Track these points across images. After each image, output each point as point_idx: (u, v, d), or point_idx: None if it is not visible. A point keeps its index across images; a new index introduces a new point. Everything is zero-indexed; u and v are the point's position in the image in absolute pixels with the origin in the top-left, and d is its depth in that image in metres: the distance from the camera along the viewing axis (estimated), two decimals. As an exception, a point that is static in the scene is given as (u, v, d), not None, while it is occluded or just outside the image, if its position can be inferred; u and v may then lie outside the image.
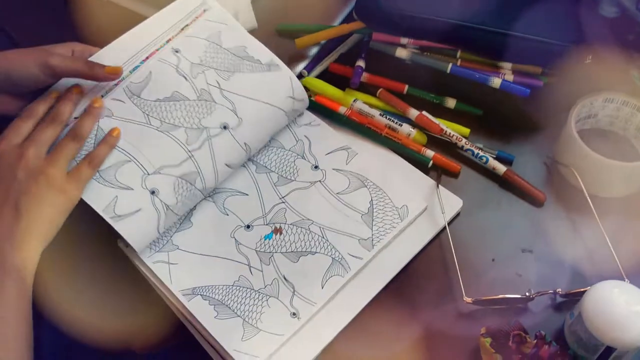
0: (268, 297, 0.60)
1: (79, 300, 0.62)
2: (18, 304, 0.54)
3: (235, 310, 0.59)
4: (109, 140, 0.62)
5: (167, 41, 0.68)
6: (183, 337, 0.60)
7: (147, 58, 0.67)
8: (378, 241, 0.63)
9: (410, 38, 0.75)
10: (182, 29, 0.69)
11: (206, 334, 0.58)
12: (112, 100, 0.64)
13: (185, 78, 0.65)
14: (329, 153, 0.69)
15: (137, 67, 0.66)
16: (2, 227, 0.55)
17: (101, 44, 0.67)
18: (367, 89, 0.75)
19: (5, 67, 0.61)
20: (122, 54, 0.66)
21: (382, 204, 0.65)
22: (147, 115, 0.63)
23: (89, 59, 0.65)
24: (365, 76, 0.75)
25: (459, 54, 0.74)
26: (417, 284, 0.63)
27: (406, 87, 0.74)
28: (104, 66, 0.63)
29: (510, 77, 0.73)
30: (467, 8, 0.71)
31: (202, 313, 0.59)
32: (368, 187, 0.66)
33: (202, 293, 0.60)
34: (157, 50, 0.67)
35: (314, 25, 0.80)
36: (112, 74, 0.63)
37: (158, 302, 0.62)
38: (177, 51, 0.67)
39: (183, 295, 0.60)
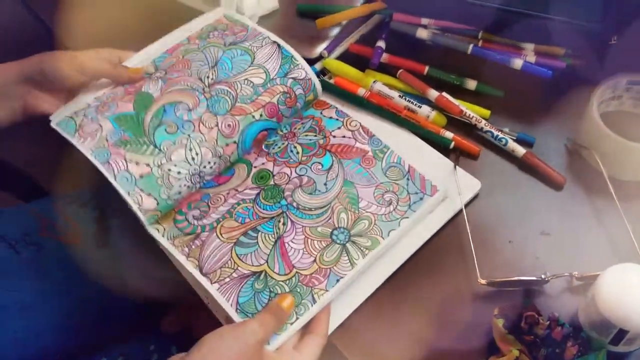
0: None
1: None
2: None
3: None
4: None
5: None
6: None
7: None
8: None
9: (432, 18, 0.74)
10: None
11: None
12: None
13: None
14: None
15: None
16: None
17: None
18: (387, 69, 0.75)
19: (39, 65, 0.64)
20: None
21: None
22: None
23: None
24: (385, 57, 0.75)
25: (480, 34, 0.73)
26: (432, 265, 0.63)
27: (426, 68, 0.74)
28: (127, 67, 0.67)
29: (532, 58, 0.72)
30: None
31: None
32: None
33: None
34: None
35: (335, 5, 0.80)
36: (134, 74, 0.67)
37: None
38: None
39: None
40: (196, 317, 0.77)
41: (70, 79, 0.65)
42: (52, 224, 0.74)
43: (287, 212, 0.62)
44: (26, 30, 0.91)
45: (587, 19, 0.68)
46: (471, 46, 0.73)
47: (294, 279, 0.59)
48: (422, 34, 0.75)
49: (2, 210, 0.77)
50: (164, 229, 0.62)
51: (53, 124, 0.66)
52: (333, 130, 0.67)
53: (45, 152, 0.75)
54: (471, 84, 0.73)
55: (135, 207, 0.61)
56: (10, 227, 0.73)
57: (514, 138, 0.69)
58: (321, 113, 0.69)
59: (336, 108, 0.69)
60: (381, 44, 0.75)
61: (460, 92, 0.72)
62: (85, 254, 0.70)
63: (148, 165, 0.62)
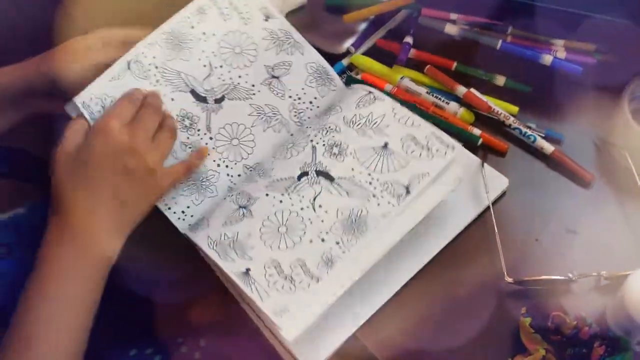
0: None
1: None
2: (97, 293, 0.57)
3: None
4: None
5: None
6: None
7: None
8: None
9: (460, 13, 0.74)
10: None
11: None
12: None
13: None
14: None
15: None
16: (104, 215, 0.58)
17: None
18: (415, 65, 0.75)
19: (47, 76, 0.63)
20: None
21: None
22: None
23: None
24: (413, 52, 0.75)
25: (510, 29, 0.73)
26: (459, 262, 0.63)
27: (455, 63, 0.74)
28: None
29: (562, 54, 0.71)
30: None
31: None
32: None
33: None
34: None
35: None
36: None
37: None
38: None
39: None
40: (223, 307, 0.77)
41: (84, 80, 0.64)
42: None
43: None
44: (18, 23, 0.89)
45: (621, 15, 0.67)
46: (500, 42, 0.72)
47: None
48: (451, 29, 0.74)
49: (33, 203, 0.78)
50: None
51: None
52: None
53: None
54: (500, 80, 0.72)
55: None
56: (38, 220, 0.74)
57: (542, 135, 0.68)
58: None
59: None
60: (409, 39, 0.75)
61: (488, 89, 0.72)
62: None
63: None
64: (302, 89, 0.70)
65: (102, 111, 0.64)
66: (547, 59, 0.71)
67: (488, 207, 0.64)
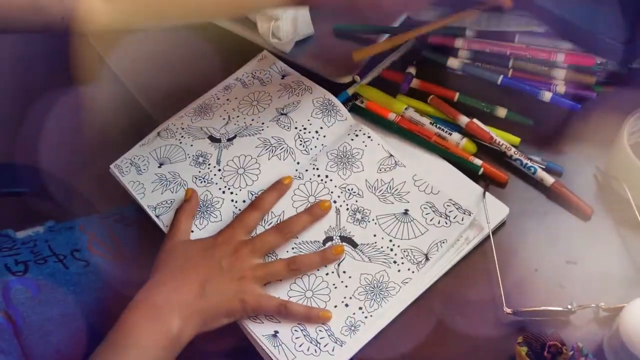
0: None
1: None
2: None
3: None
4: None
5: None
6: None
7: None
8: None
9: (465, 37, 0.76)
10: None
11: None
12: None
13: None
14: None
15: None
16: (183, 296, 0.60)
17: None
18: (418, 95, 0.76)
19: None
20: None
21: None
22: None
23: None
24: (416, 83, 0.76)
25: (511, 63, 0.74)
26: (457, 291, 0.63)
27: (457, 94, 0.75)
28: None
29: (562, 88, 0.72)
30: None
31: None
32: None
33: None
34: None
35: (372, 26, 0.81)
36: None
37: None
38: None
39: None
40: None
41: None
42: (98, 241, 0.76)
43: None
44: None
45: (614, 37, 0.69)
46: (501, 77, 0.73)
47: None
48: (453, 63, 0.76)
49: (53, 224, 0.80)
50: None
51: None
52: None
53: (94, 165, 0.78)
54: (501, 112, 0.73)
55: None
56: (59, 241, 0.75)
57: (543, 167, 0.69)
58: None
59: None
60: (412, 70, 0.77)
61: (490, 120, 0.73)
62: (128, 272, 0.72)
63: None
64: (308, 120, 0.73)
65: (130, 168, 0.72)
66: (546, 95, 0.72)
67: (488, 236, 0.65)
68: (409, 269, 0.63)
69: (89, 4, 0.61)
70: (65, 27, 0.61)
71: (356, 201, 0.67)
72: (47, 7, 0.60)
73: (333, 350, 0.59)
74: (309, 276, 0.64)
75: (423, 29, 0.75)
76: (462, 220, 0.65)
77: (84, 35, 0.83)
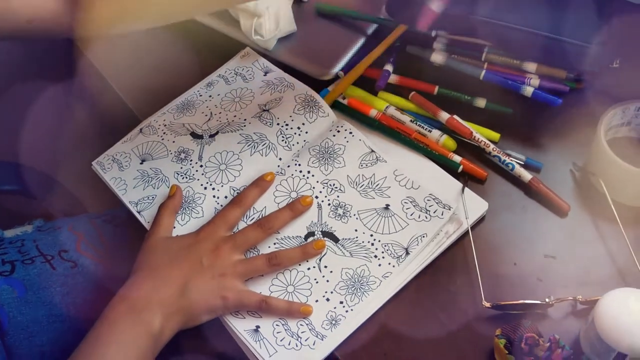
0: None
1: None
2: None
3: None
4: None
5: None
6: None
7: None
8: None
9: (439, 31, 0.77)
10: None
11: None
12: None
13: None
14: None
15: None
16: (165, 294, 0.60)
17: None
18: (399, 91, 0.77)
19: None
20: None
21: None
22: None
23: None
24: (396, 78, 0.77)
25: (484, 56, 0.75)
26: (437, 285, 0.64)
27: (436, 88, 0.75)
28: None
29: (536, 81, 0.73)
30: (494, 5, 0.72)
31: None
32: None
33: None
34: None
35: (353, 11, 0.82)
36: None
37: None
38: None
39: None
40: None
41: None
42: (86, 242, 0.76)
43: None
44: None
45: (586, 39, 0.69)
46: (484, 72, 0.74)
47: None
48: (437, 58, 0.77)
49: (42, 223, 0.79)
50: None
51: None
52: None
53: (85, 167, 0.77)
54: (481, 102, 0.74)
55: None
56: (47, 242, 0.74)
57: (522, 163, 0.70)
58: None
59: None
60: (389, 67, 0.77)
61: (470, 113, 0.74)
62: (116, 274, 0.72)
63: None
64: (290, 116, 0.73)
65: (112, 165, 0.72)
66: (527, 90, 0.72)
67: (467, 231, 0.66)
68: (389, 263, 0.63)
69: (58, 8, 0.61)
70: (34, 30, 0.61)
71: (338, 196, 0.68)
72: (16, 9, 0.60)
73: (314, 344, 0.60)
74: (290, 271, 0.64)
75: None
76: (442, 214, 0.66)
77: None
